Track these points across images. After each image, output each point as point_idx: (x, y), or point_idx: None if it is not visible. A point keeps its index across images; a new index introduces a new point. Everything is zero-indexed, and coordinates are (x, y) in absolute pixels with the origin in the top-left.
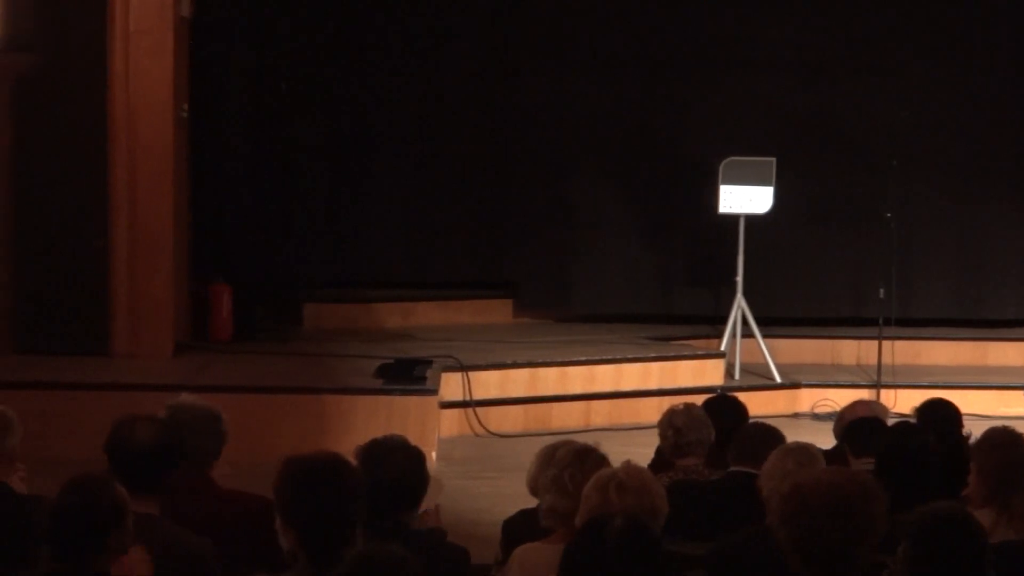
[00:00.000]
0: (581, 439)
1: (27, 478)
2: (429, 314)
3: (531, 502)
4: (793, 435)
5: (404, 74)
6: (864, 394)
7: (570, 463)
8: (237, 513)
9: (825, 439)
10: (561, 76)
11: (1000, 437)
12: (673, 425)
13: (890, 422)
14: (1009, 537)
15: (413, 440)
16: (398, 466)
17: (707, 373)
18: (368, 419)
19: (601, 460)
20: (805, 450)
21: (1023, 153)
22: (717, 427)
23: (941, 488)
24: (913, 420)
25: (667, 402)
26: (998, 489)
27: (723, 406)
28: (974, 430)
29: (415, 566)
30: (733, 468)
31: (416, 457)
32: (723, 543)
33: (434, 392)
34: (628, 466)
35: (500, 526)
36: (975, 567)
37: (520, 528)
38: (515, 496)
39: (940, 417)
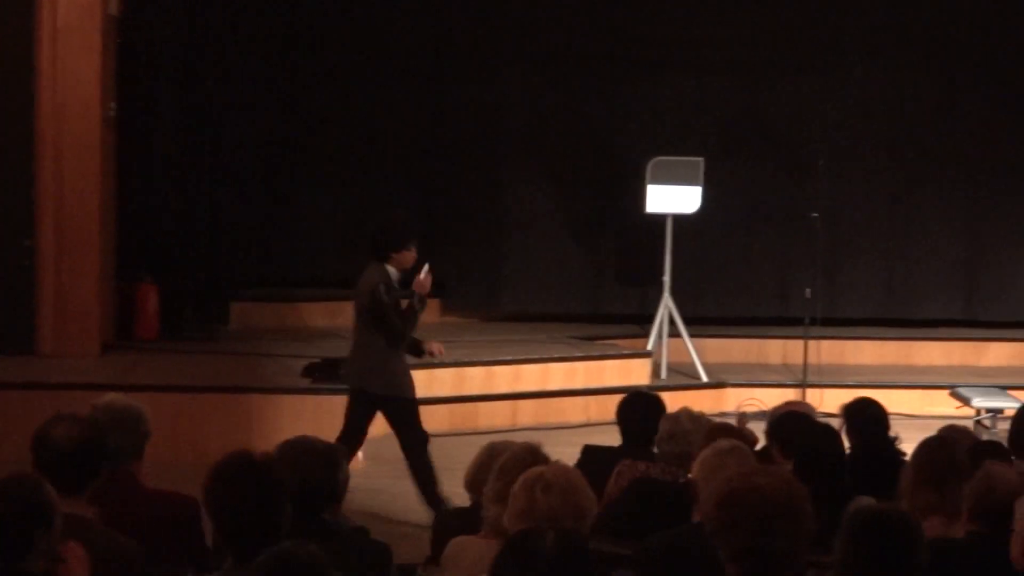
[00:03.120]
0: (508, 438)
1: None
2: None
3: (460, 500)
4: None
5: (335, 73)
6: (790, 393)
7: (515, 466)
8: (163, 512)
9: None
10: (492, 75)
11: (938, 436)
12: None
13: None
14: (944, 534)
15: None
16: (310, 467)
17: (633, 372)
18: (295, 418)
19: (546, 461)
20: (737, 450)
21: (951, 154)
22: (635, 423)
23: (867, 486)
24: (840, 420)
25: (593, 402)
26: (935, 487)
27: (639, 403)
28: (900, 429)
29: (326, 563)
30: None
31: (328, 456)
32: (652, 541)
33: None
34: (555, 466)
35: (427, 525)
36: (911, 564)
37: (451, 525)
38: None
39: (866, 417)
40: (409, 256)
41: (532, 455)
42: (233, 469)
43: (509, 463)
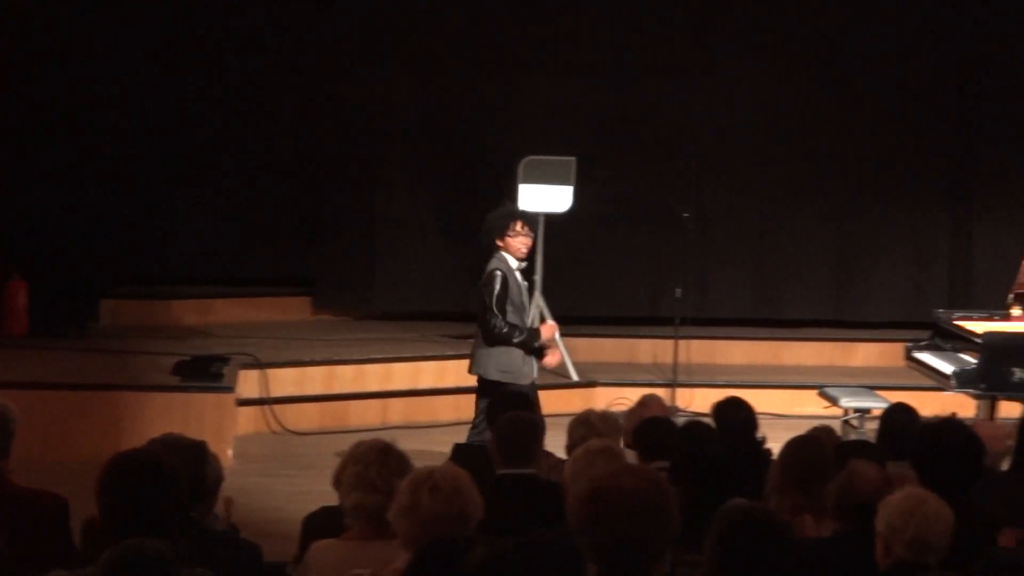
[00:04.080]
0: (378, 436)
1: None
2: (227, 311)
3: (329, 499)
4: None
5: (209, 71)
6: (660, 393)
7: (374, 460)
8: (31, 511)
9: None
10: (366, 75)
11: (805, 436)
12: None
13: (680, 421)
14: (812, 533)
15: (210, 438)
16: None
17: None
18: (164, 416)
19: (402, 457)
20: (607, 450)
21: (822, 155)
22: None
23: (736, 487)
24: (709, 419)
25: (464, 400)
26: (802, 486)
27: (509, 402)
28: (769, 429)
29: (170, 559)
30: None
31: (197, 454)
32: (518, 542)
33: (231, 389)
34: (445, 468)
35: (297, 523)
36: (779, 564)
37: (321, 524)
38: (312, 493)
39: (735, 416)
40: (518, 241)
41: (387, 446)
42: (127, 464)
43: (363, 449)
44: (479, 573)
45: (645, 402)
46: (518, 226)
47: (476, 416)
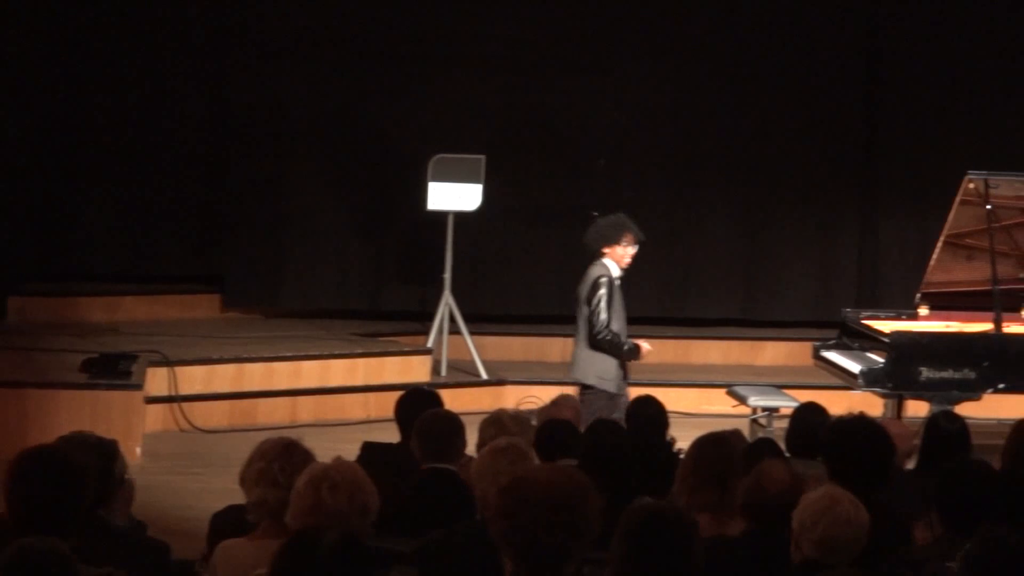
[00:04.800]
0: (287, 435)
1: None
2: (136, 308)
3: (237, 497)
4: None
5: (114, 66)
6: (569, 391)
7: (278, 456)
8: None
9: None
10: (275, 71)
11: (714, 434)
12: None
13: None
14: (720, 532)
15: (118, 436)
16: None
17: (413, 370)
18: (72, 414)
19: (307, 454)
20: (516, 448)
21: (730, 154)
22: (411, 421)
23: (645, 485)
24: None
25: (373, 398)
26: (711, 485)
27: (418, 400)
28: (677, 428)
29: (69, 556)
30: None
31: (104, 451)
32: (432, 539)
33: (139, 387)
34: (340, 463)
35: (206, 521)
36: (686, 563)
37: (228, 522)
38: (221, 491)
39: (646, 414)
40: (625, 253)
41: (292, 443)
42: (34, 460)
43: (267, 446)
44: (332, 557)
45: (557, 402)
46: (629, 238)
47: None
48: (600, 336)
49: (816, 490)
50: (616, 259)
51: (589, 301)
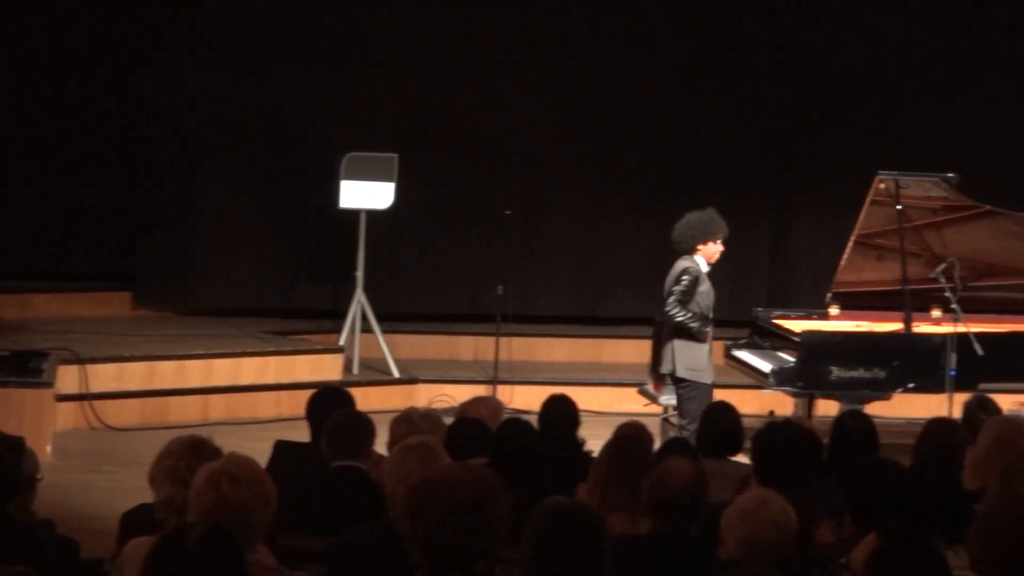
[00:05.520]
0: (199, 432)
1: None
2: (47, 306)
3: (148, 496)
4: None
5: (26, 64)
6: (481, 390)
7: (185, 454)
8: None
9: None
10: (189, 67)
11: (626, 434)
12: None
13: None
14: (630, 530)
15: (28, 434)
16: None
17: (325, 368)
18: None
19: (215, 451)
20: (426, 446)
21: (643, 153)
22: (323, 420)
23: (555, 484)
24: (534, 416)
25: (285, 396)
26: (623, 484)
27: (329, 399)
28: (590, 426)
29: None
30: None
31: (12, 448)
32: (344, 537)
33: (50, 385)
34: (235, 457)
35: (116, 520)
36: (594, 560)
37: (138, 521)
38: (132, 490)
39: (558, 413)
40: (715, 250)
41: (200, 440)
42: None
43: (176, 444)
44: (200, 551)
45: (473, 402)
46: (721, 235)
47: (678, 412)
48: (670, 312)
49: (749, 492)
50: (707, 256)
51: (670, 292)
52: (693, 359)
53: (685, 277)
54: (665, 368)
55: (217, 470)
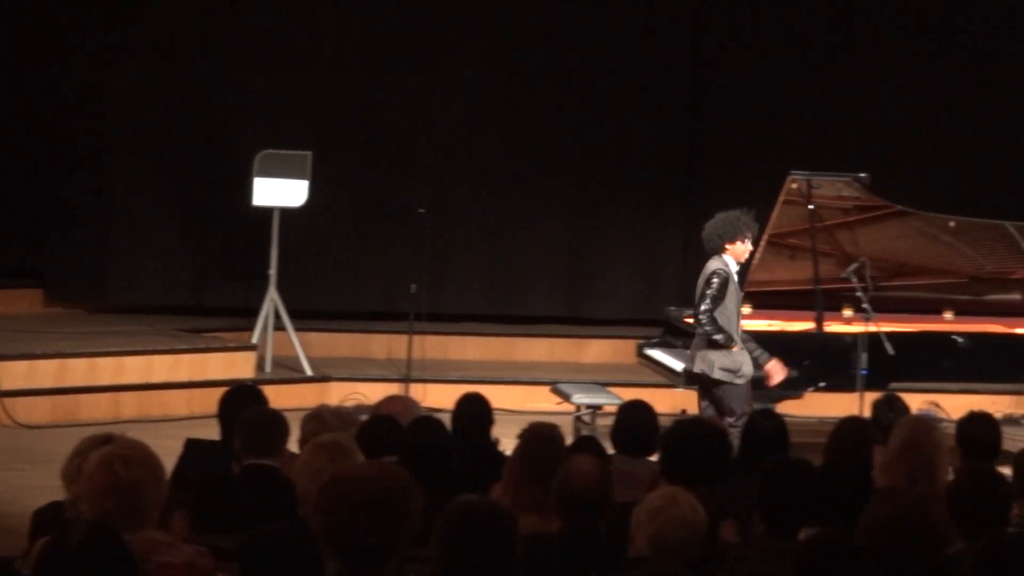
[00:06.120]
0: (110, 431)
1: None
2: None
3: (60, 493)
4: None
5: None
6: (394, 388)
7: (91, 451)
8: None
9: None
10: (103, 63)
11: (538, 433)
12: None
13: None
14: (542, 529)
15: None
16: None
17: (238, 366)
18: None
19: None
20: (338, 444)
21: (556, 152)
22: (234, 418)
23: (468, 483)
24: (447, 415)
25: (197, 394)
26: (536, 482)
27: (241, 397)
28: (503, 425)
29: None
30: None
31: None
32: (255, 535)
33: None
34: (122, 439)
35: (27, 517)
36: (504, 559)
37: (50, 519)
38: (43, 488)
39: (471, 413)
40: (744, 249)
41: (109, 437)
42: None
43: (87, 442)
44: (85, 550)
45: (388, 401)
46: (749, 234)
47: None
48: (697, 317)
49: (660, 490)
50: (736, 255)
51: (702, 293)
52: (729, 361)
53: (715, 279)
54: (697, 368)
55: (109, 454)
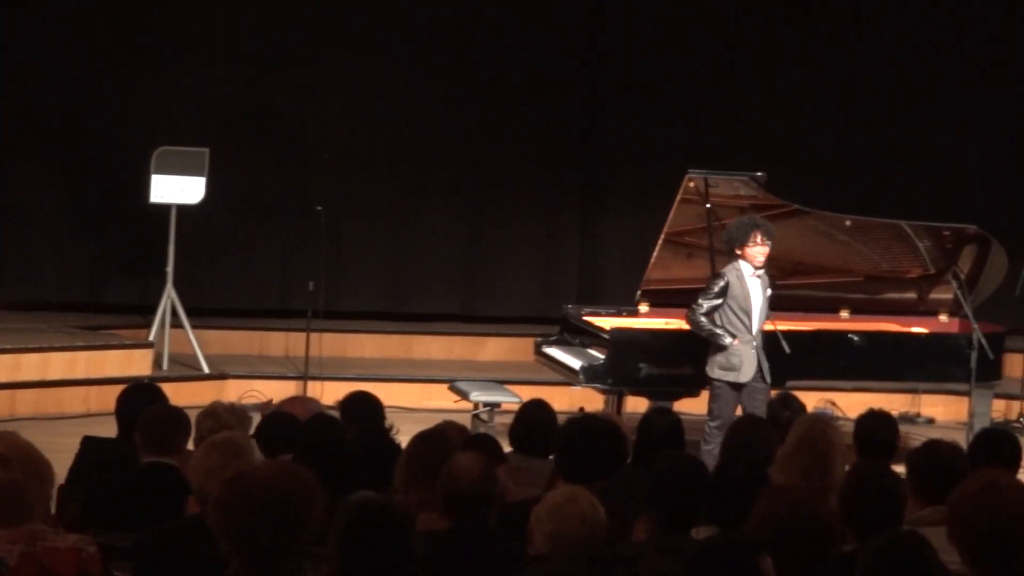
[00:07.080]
0: (6, 428)
1: None
2: None
3: None
4: None
5: None
6: (291, 385)
7: None
8: None
9: None
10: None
11: (432, 431)
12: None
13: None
14: (437, 527)
15: None
16: None
17: (135, 363)
18: None
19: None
20: (232, 443)
21: (454, 150)
22: (132, 416)
23: (364, 479)
24: (336, 412)
25: (94, 392)
26: (430, 481)
27: (139, 395)
28: (399, 423)
29: None
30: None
31: None
32: (151, 533)
33: None
34: (6, 440)
35: None
36: (400, 556)
37: None
38: None
39: (363, 409)
40: (756, 251)
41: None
42: None
43: None
44: None
45: (289, 401)
46: (758, 237)
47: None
48: (689, 314)
49: (560, 489)
50: (750, 258)
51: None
52: (724, 360)
53: (713, 282)
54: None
55: None
